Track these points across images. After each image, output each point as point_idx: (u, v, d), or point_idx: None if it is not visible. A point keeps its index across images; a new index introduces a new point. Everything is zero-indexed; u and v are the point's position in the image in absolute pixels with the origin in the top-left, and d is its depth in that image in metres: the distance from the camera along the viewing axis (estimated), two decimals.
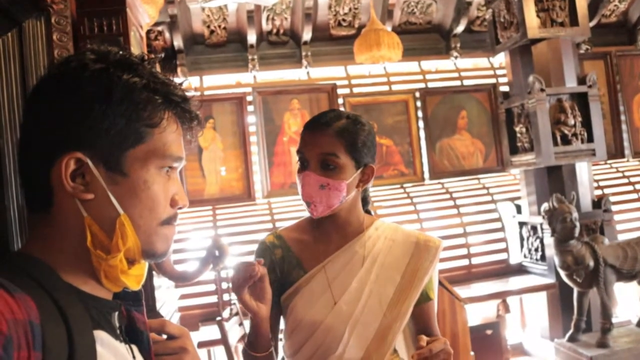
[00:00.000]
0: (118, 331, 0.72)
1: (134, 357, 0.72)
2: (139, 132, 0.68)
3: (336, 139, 1.20)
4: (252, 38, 4.65)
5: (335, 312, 1.22)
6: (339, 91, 4.84)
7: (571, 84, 3.98)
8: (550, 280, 3.92)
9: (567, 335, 3.52)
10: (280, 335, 1.33)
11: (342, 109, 4.79)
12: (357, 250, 1.27)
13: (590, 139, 3.93)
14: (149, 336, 0.78)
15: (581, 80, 4.02)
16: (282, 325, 1.33)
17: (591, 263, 3.32)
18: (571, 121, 3.90)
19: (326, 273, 1.25)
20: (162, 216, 0.71)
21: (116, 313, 0.72)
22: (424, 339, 1.05)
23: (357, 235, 1.29)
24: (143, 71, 0.70)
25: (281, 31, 4.86)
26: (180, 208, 0.74)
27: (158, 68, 0.74)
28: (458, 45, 5.12)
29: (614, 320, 3.40)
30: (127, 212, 0.68)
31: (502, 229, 4.46)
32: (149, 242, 0.70)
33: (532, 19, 3.88)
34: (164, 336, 0.84)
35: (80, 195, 0.66)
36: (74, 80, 0.67)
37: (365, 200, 1.35)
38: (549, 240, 3.85)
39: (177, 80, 0.75)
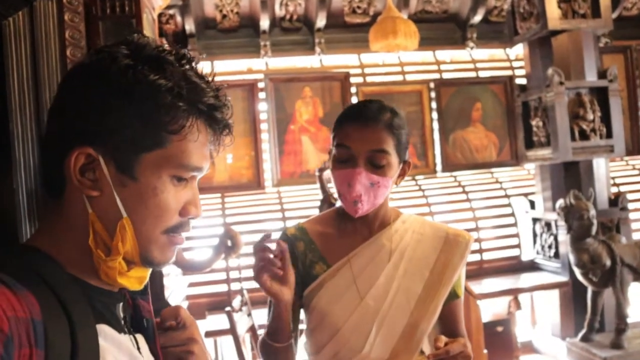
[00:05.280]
0: (122, 322, 0.71)
1: (138, 347, 0.71)
2: (157, 136, 0.65)
3: (387, 135, 1.15)
4: (264, 24, 4.57)
5: (362, 308, 1.17)
6: (352, 80, 4.76)
7: (591, 77, 3.88)
8: (564, 278, 3.85)
9: (580, 334, 3.46)
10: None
11: (354, 98, 4.71)
12: (384, 243, 1.22)
13: (609, 135, 3.83)
14: (154, 324, 0.77)
15: (601, 75, 3.92)
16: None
17: (608, 262, 3.25)
18: (590, 116, 3.80)
19: (351, 267, 1.20)
20: (167, 224, 0.68)
21: (121, 304, 0.72)
22: (442, 339, 1.02)
23: (384, 229, 1.24)
24: (173, 72, 0.65)
25: (294, 17, 4.77)
26: (191, 218, 0.71)
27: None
28: (474, 35, 5.01)
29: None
30: (131, 216, 0.66)
31: (514, 225, 4.39)
32: (147, 249, 0.68)
33: (553, 10, 3.77)
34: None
35: (87, 191, 0.65)
36: (99, 73, 0.64)
37: None
38: (563, 237, 3.78)
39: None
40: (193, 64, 0.69)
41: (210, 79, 0.70)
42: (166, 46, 0.68)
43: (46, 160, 0.68)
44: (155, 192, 0.66)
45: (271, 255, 1.05)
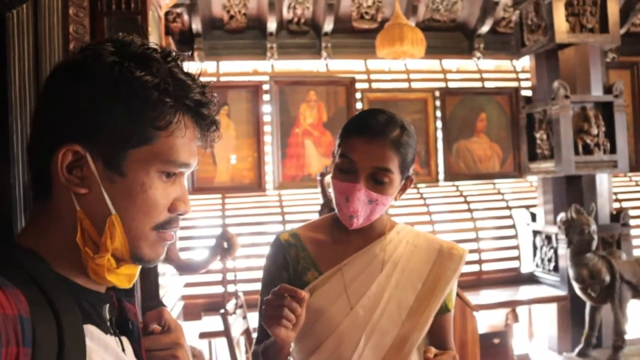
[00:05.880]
0: (108, 323, 0.71)
1: (123, 349, 0.71)
2: (144, 132, 0.65)
3: (392, 153, 1.11)
4: (272, 26, 4.57)
5: (352, 317, 1.15)
6: (357, 85, 4.75)
7: (597, 92, 3.87)
8: (562, 292, 3.83)
9: (577, 349, 3.43)
10: None
11: (359, 104, 4.71)
12: (377, 253, 1.20)
13: (612, 150, 3.81)
14: (139, 327, 0.77)
15: (607, 90, 3.90)
16: None
17: (607, 278, 3.22)
18: (594, 130, 3.79)
19: (343, 276, 1.18)
20: (156, 221, 0.68)
21: (107, 305, 0.72)
22: (432, 350, 1.01)
23: (378, 238, 1.22)
24: (159, 69, 0.66)
25: (302, 20, 4.77)
26: (180, 214, 0.71)
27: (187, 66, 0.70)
28: (481, 45, 5.00)
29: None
30: (120, 212, 0.65)
31: (515, 237, 4.37)
32: (137, 246, 0.68)
33: (561, 23, 3.76)
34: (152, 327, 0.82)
35: (74, 188, 0.65)
36: (84, 71, 0.65)
37: None
38: (563, 251, 3.76)
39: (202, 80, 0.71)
40: (179, 61, 0.69)
41: (196, 76, 0.70)
42: (151, 44, 0.68)
43: (34, 160, 0.68)
44: (144, 188, 0.66)
45: (286, 309, 0.99)
